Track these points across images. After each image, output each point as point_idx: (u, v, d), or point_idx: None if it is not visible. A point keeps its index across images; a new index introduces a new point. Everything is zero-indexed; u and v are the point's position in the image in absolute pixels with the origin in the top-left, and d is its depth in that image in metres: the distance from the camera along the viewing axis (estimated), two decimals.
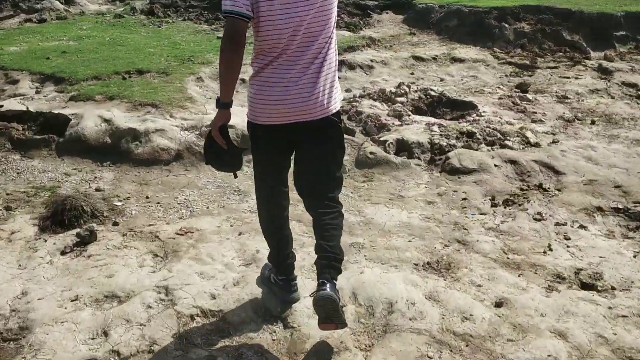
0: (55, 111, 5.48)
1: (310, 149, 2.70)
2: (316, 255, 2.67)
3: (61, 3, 10.61)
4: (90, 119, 5.27)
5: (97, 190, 4.48)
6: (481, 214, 4.21)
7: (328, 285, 2.49)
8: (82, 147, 5.08)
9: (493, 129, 5.61)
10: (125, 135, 5.08)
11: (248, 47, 3.02)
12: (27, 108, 5.57)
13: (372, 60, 7.78)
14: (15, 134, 5.21)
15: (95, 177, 4.73)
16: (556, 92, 6.89)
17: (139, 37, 8.71)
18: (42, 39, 8.53)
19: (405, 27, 9.40)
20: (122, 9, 10.97)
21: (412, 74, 7.61)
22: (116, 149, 5.06)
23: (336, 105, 2.66)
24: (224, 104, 2.54)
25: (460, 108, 6.47)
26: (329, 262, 2.59)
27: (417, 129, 5.56)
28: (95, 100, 5.76)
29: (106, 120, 5.27)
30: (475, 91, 6.94)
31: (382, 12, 9.97)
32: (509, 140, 5.38)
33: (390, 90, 6.59)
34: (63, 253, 3.55)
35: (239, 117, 4.23)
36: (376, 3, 10.26)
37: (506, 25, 8.65)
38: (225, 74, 2.47)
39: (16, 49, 7.84)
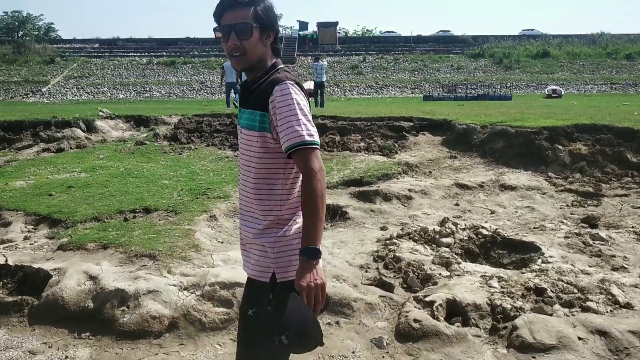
0: (37, 265, 4.64)
1: None
2: None
3: (83, 131, 10.27)
4: (73, 276, 4.39)
5: None
6: None
7: None
8: (59, 313, 4.14)
9: (567, 282, 4.48)
10: (111, 299, 4.15)
11: None
12: (6, 260, 4.76)
13: (410, 190, 6.87)
14: None
15: (67, 358, 3.74)
16: (633, 227, 5.77)
17: (155, 167, 8.11)
18: (54, 170, 8.00)
19: (444, 149, 8.57)
20: (145, 135, 10.58)
21: (457, 205, 6.63)
22: (99, 315, 4.10)
23: None
24: (319, 250, 2.00)
25: (520, 250, 5.39)
26: None
27: (471, 283, 4.47)
28: (86, 249, 4.92)
29: (92, 278, 4.38)
30: (534, 227, 5.87)
31: (419, 134, 9.23)
32: (591, 299, 4.22)
33: (434, 229, 5.59)
34: None
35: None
36: (411, 124, 9.57)
37: (560, 147, 7.72)
38: (322, 211, 2.03)
39: (22, 183, 7.27)
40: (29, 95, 40.14)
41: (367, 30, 69.03)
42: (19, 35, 60.05)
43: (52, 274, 4.49)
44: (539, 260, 5.01)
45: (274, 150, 2.10)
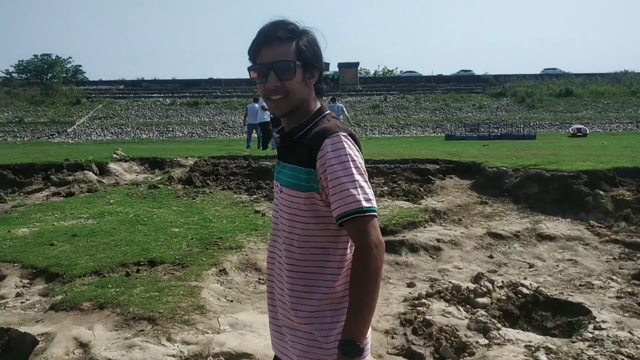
0: (23, 328, 4.16)
1: None
2: None
3: (95, 174, 9.94)
4: (61, 343, 3.89)
5: None
6: None
7: None
8: None
9: (628, 356, 3.84)
10: None
11: None
12: None
13: (438, 240, 6.30)
14: None
15: None
16: None
17: (167, 213, 7.67)
18: (60, 217, 7.61)
19: (474, 194, 8.01)
20: (159, 177, 10.21)
21: (491, 257, 6.04)
22: None
23: None
24: (361, 349, 1.66)
25: (566, 312, 4.76)
26: None
27: (514, 355, 3.86)
28: (80, 310, 4.43)
29: (82, 345, 3.88)
30: (580, 285, 5.24)
31: (445, 177, 8.68)
32: None
33: (468, 287, 5.00)
34: None
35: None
36: (438, 167, 9.04)
37: (601, 193, 7.11)
38: (374, 296, 1.66)
39: (25, 231, 6.88)
40: (54, 136, 40.75)
41: (387, 70, 69.31)
42: (48, 77, 61.61)
43: (39, 339, 4.00)
44: (591, 326, 4.39)
45: (324, 215, 1.75)
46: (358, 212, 1.64)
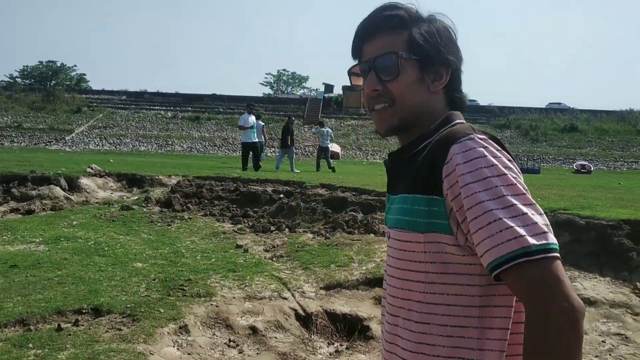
0: None
1: None
2: None
3: (63, 189, 8.82)
4: None
5: None
6: None
7: None
8: None
9: None
10: None
11: None
12: None
13: None
14: None
15: None
16: None
17: (133, 241, 6.56)
18: (9, 239, 6.49)
19: None
20: (136, 197, 9.10)
21: None
22: None
23: None
24: None
25: None
26: None
27: None
28: None
29: None
30: None
31: None
32: None
33: None
34: None
35: None
36: None
37: None
38: None
39: None
40: (52, 143, 39.95)
41: None
42: (51, 84, 61.09)
43: None
44: None
45: (461, 270, 1.10)
46: (522, 256, 0.99)
